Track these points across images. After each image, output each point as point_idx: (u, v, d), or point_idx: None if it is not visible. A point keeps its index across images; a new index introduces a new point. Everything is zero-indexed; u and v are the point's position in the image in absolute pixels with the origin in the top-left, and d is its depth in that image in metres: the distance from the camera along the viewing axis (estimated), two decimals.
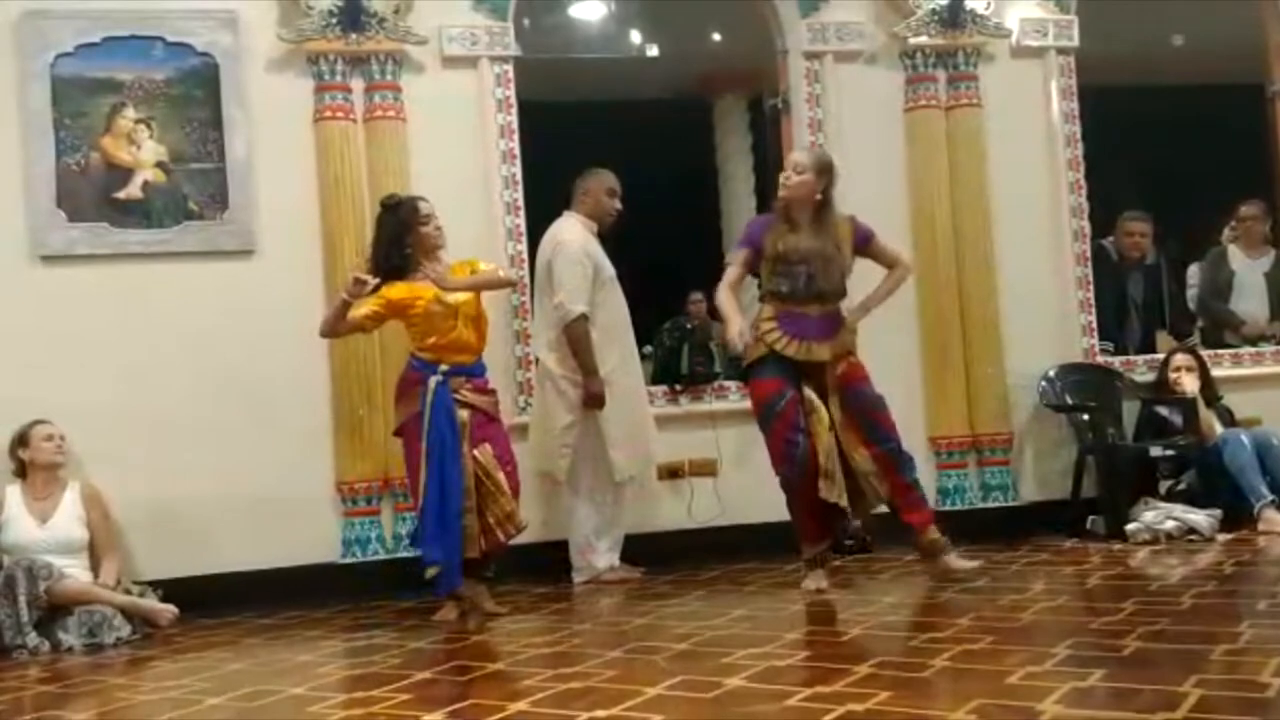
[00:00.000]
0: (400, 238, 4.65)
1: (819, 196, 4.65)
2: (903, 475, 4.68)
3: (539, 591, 5.05)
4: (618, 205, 5.34)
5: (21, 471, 4.89)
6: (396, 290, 4.61)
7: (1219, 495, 5.56)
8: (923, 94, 5.98)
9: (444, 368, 4.59)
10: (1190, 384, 5.85)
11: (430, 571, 4.51)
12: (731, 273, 4.77)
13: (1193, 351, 6.09)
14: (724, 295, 4.71)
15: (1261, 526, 5.39)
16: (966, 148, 5.96)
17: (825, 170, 4.68)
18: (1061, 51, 6.16)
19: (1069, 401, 5.98)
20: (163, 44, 5.28)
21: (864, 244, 4.77)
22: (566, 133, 6.86)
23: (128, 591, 4.75)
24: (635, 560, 5.33)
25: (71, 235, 5.16)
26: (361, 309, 4.59)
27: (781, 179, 4.69)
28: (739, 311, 4.67)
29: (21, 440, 4.87)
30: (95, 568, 4.83)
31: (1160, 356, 6.17)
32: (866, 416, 4.65)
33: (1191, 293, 6.89)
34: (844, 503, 4.55)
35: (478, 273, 4.75)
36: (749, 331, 4.60)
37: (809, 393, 4.58)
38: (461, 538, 4.48)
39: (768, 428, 4.63)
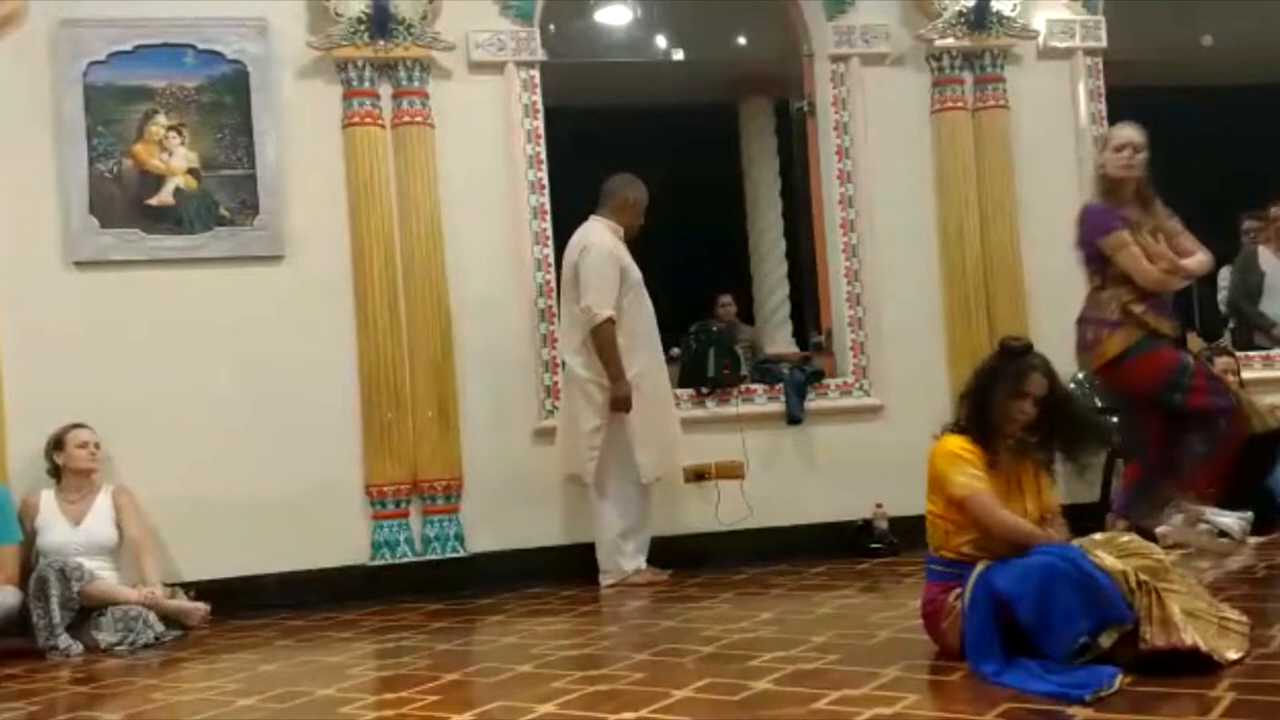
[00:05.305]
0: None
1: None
2: None
3: (566, 594, 5.07)
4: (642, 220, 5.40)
5: (56, 474, 4.94)
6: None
7: (1249, 498, 5.50)
8: (949, 96, 5.97)
9: None
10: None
11: None
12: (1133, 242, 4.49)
13: (1226, 352, 6.06)
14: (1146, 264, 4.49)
15: None
16: (993, 150, 5.95)
17: None
18: (1089, 53, 6.15)
19: (1098, 404, 5.93)
20: (194, 52, 5.34)
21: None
22: (592, 137, 6.87)
23: None
24: (662, 562, 5.34)
25: (104, 241, 5.22)
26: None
27: (1120, 159, 4.47)
28: None
29: (57, 444, 4.93)
30: (130, 570, 4.88)
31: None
32: None
33: (1222, 295, 6.84)
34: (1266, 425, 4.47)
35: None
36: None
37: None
38: None
39: (1186, 387, 4.41)
